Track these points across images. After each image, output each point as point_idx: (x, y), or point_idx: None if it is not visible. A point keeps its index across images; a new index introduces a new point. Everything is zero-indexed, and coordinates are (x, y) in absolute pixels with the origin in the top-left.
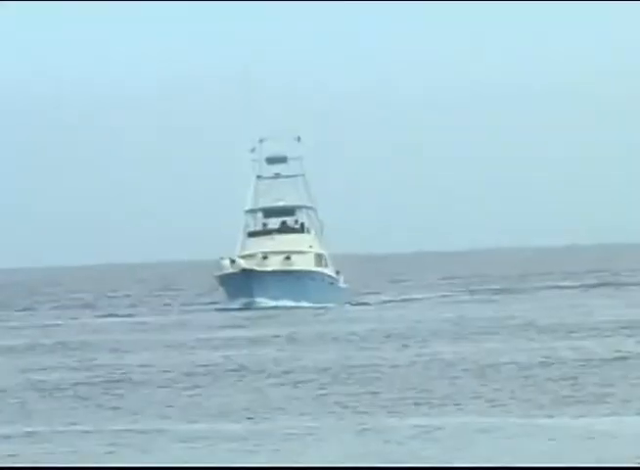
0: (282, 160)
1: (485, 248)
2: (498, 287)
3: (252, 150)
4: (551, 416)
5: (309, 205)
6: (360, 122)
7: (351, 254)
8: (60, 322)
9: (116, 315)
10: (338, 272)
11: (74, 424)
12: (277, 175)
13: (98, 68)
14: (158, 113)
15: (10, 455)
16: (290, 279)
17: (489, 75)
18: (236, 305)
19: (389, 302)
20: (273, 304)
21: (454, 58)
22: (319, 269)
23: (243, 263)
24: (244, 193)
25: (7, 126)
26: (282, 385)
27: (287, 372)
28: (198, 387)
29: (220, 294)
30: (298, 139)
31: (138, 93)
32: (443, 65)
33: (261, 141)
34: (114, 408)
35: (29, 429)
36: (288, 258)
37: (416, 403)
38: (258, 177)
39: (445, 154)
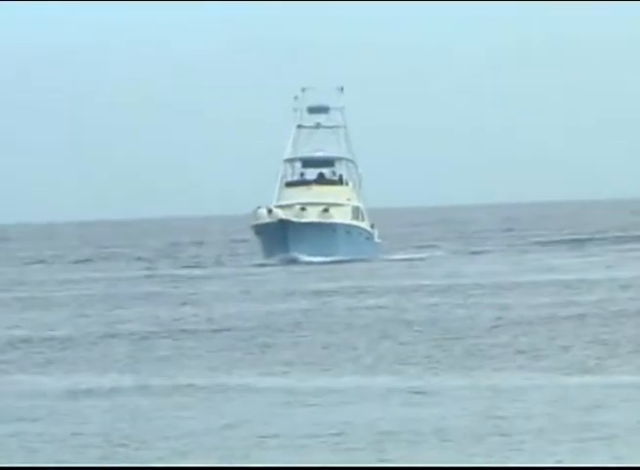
0: (324, 109)
1: (527, 201)
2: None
3: (295, 98)
4: None
5: (349, 157)
6: (402, 77)
7: (390, 207)
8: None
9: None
10: (372, 226)
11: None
12: (318, 125)
13: (142, 28)
14: (201, 67)
15: None
16: (326, 231)
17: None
18: (272, 257)
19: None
20: (308, 257)
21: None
22: (356, 223)
23: (280, 213)
24: (284, 142)
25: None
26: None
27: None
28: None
29: (255, 244)
30: (341, 90)
31: (182, 51)
32: (490, 21)
33: (304, 90)
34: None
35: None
36: (326, 210)
37: None
38: (299, 126)
39: (489, 107)
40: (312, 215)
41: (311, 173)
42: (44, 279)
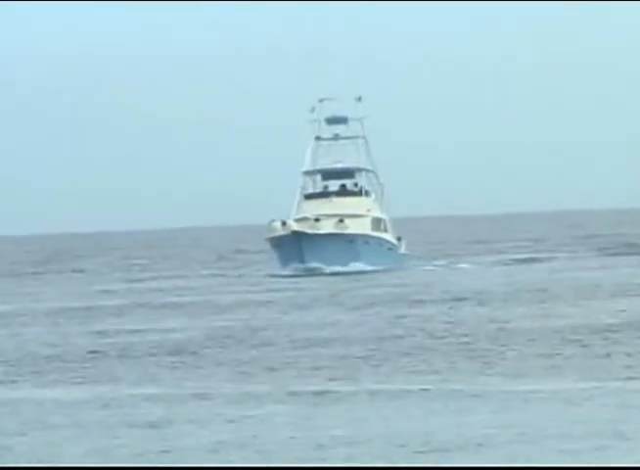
0: (342, 120)
1: (551, 210)
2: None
3: (312, 110)
4: None
5: (369, 167)
6: (424, 85)
7: (413, 217)
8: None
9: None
10: (399, 239)
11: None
12: (336, 136)
13: (161, 33)
14: (218, 77)
15: None
16: (342, 242)
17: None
18: (287, 268)
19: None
20: (325, 268)
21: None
22: (376, 234)
23: (294, 225)
24: (302, 154)
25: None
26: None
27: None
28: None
29: (272, 257)
30: (359, 99)
31: (199, 58)
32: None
33: (321, 101)
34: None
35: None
36: (341, 221)
37: None
38: (317, 138)
39: (511, 116)
40: (327, 227)
41: (333, 185)
42: None
